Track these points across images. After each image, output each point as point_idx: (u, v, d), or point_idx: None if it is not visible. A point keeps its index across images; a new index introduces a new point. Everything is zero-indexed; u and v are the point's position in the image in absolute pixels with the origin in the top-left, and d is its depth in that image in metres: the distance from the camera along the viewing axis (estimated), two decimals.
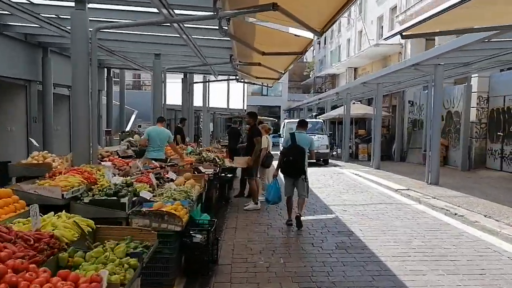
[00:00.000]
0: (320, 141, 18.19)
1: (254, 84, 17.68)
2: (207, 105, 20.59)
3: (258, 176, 9.52)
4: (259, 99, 53.21)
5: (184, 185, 6.25)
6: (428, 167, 11.31)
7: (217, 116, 33.00)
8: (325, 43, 45.19)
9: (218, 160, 10.75)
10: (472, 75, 15.11)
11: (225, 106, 26.52)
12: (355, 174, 14.84)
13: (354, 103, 22.60)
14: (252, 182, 9.00)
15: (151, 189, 5.47)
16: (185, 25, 8.42)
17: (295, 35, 7.27)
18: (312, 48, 60.91)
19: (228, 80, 17.59)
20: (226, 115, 31.54)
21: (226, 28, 6.45)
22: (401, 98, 21.96)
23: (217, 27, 6.15)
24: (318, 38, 7.87)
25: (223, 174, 9.39)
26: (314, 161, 16.46)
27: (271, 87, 17.80)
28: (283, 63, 10.41)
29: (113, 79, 19.36)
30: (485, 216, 7.60)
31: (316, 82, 44.06)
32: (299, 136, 7.36)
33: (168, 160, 9.21)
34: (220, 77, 17.38)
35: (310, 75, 48.35)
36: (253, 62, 9.90)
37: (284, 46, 8.13)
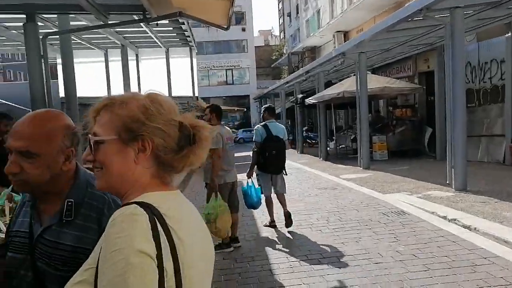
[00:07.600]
0: None
1: (193, 20, 8.13)
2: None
3: None
4: (223, 88, 45.11)
5: None
6: None
7: None
8: (297, 13, 36.81)
9: None
10: None
11: (166, 94, 17.71)
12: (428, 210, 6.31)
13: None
14: None
15: None
16: None
17: None
18: (280, 24, 52.17)
19: (132, 22, 8.59)
20: None
21: None
22: (441, 57, 13.71)
23: None
24: None
25: None
26: None
27: (226, 28, 7.90)
28: None
29: None
30: None
31: (292, 60, 35.65)
32: (272, 126, 6.05)
33: None
34: (119, 24, 8.58)
35: (285, 52, 40.03)
36: None
37: None
